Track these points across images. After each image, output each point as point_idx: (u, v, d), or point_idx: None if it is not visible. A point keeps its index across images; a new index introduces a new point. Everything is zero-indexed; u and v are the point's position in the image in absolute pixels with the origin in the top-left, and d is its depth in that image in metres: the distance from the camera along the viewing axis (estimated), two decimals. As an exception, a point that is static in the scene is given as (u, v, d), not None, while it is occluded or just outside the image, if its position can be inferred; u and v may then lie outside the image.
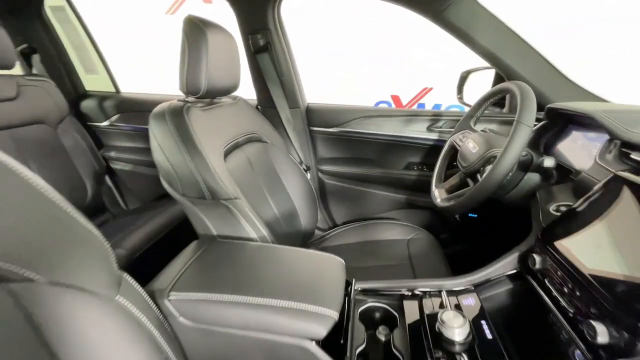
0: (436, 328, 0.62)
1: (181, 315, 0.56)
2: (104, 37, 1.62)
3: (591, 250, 0.53)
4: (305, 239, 1.22)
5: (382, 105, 3.10)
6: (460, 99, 1.34)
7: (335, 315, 0.55)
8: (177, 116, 0.76)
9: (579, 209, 0.60)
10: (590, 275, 0.50)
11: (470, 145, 0.89)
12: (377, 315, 0.75)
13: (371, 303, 0.75)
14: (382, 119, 1.29)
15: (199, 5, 2.65)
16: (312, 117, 1.34)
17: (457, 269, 1.03)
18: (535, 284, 0.63)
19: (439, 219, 1.35)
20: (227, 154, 0.91)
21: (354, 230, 1.26)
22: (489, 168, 0.80)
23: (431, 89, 3.94)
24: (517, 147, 0.69)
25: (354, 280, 0.72)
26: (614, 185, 0.58)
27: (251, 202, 0.87)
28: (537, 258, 0.62)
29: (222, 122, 0.94)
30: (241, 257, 0.69)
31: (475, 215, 1.29)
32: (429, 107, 3.28)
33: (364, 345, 0.65)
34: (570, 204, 0.68)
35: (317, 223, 1.29)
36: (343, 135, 1.34)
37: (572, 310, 0.52)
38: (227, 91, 0.96)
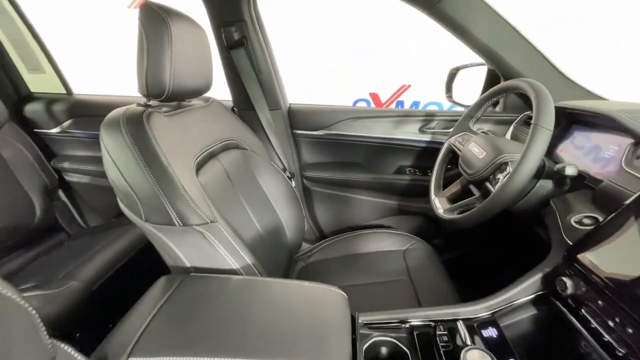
0: None
1: None
2: (88, 35, 1.42)
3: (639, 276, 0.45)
4: (291, 254, 1.10)
5: (360, 104, 3.05)
6: (450, 97, 1.27)
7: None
8: (135, 125, 0.62)
9: (614, 223, 0.53)
10: (644, 309, 0.42)
11: (475, 150, 0.80)
12: (384, 350, 0.65)
13: (377, 337, 0.64)
14: (371, 120, 1.19)
15: (163, -3, 2.45)
16: (295, 119, 1.22)
17: (455, 277, 0.95)
18: (565, 310, 0.56)
19: (432, 224, 1.28)
20: (199, 166, 0.77)
21: (344, 242, 1.15)
22: (500, 176, 0.72)
23: (409, 86, 3.93)
24: (537, 153, 0.61)
25: (357, 314, 0.62)
26: (654, 198, 0.51)
27: (230, 221, 0.75)
28: (569, 282, 0.54)
29: (193, 128, 0.80)
30: (222, 298, 0.56)
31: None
32: (407, 105, 3.26)
33: None
34: (596, 215, 0.61)
35: (304, 235, 1.18)
36: (329, 138, 1.24)
37: (623, 350, 0.44)
38: (197, 92, 0.83)
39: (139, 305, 0.56)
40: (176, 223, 0.62)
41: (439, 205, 0.89)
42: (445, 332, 0.61)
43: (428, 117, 1.17)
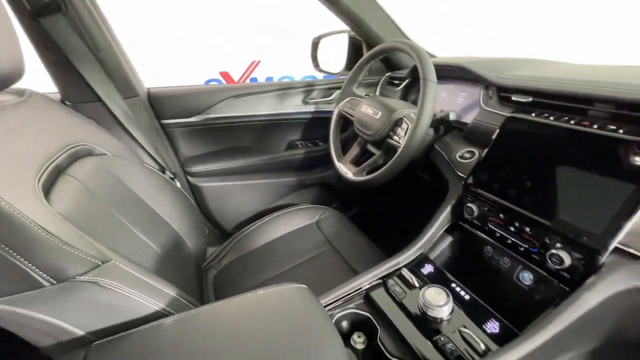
0: (419, 308, 0.58)
1: None
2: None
3: (522, 186, 0.59)
4: (199, 265, 0.94)
5: (215, 81, 2.87)
6: (317, 66, 1.30)
7: (345, 357, 0.41)
8: None
9: (492, 152, 0.67)
10: (539, 216, 0.55)
11: (369, 111, 0.85)
12: (345, 323, 0.65)
13: (339, 314, 0.63)
14: (253, 97, 1.10)
15: None
16: (161, 107, 0.99)
17: (369, 233, 1.04)
18: (471, 228, 0.68)
19: (329, 191, 1.34)
20: (47, 189, 0.53)
21: (254, 234, 1.07)
22: (400, 131, 0.79)
23: (259, 61, 3.86)
24: (432, 103, 0.69)
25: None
26: (512, 125, 0.66)
27: (122, 252, 0.55)
28: (474, 206, 0.66)
29: (12, 138, 0.53)
30: (164, 354, 0.41)
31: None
32: (261, 81, 3.25)
33: None
34: (472, 149, 0.75)
35: (207, 240, 1.02)
36: (208, 124, 1.07)
37: (525, 245, 0.57)
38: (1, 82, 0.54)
39: None
40: (45, 283, 0.40)
41: (346, 170, 0.92)
42: (395, 283, 0.65)
43: (308, 88, 1.17)
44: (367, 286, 0.65)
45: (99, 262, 0.45)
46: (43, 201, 0.47)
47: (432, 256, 0.70)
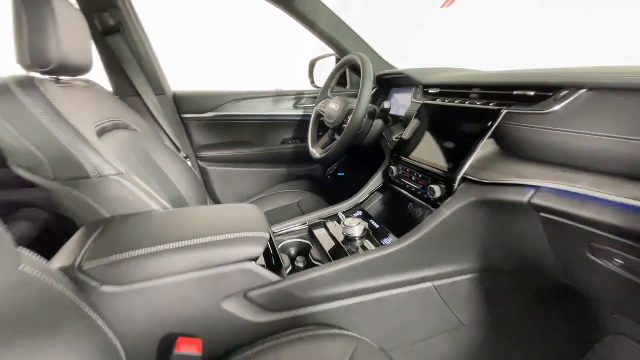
0: (342, 233, 0.78)
1: (103, 283, 0.51)
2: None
3: (426, 151, 0.80)
4: None
5: None
6: (312, 82, 1.59)
7: (266, 235, 0.63)
8: (30, 88, 0.64)
9: (411, 130, 0.89)
10: (428, 165, 0.76)
11: (333, 106, 1.11)
12: (293, 250, 0.86)
13: (287, 241, 0.85)
14: (253, 100, 1.40)
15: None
16: (182, 104, 1.31)
17: None
18: (395, 186, 0.89)
19: (316, 182, 1.57)
20: (99, 136, 0.81)
21: (246, 208, 1.31)
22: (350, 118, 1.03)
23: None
24: (367, 94, 0.94)
25: (270, 227, 0.81)
26: (424, 110, 0.88)
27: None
28: (394, 168, 0.87)
29: (83, 103, 0.83)
30: (156, 219, 0.66)
31: (343, 174, 1.58)
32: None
33: (290, 269, 0.75)
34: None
35: None
36: (217, 119, 1.37)
37: (418, 187, 0.78)
38: (80, 70, 0.85)
39: (70, 244, 0.60)
40: (92, 175, 0.67)
41: (316, 152, 1.16)
42: (334, 223, 0.86)
43: (298, 96, 1.46)
44: (311, 223, 0.87)
45: (123, 172, 0.71)
46: (96, 137, 0.76)
47: (366, 208, 0.91)
